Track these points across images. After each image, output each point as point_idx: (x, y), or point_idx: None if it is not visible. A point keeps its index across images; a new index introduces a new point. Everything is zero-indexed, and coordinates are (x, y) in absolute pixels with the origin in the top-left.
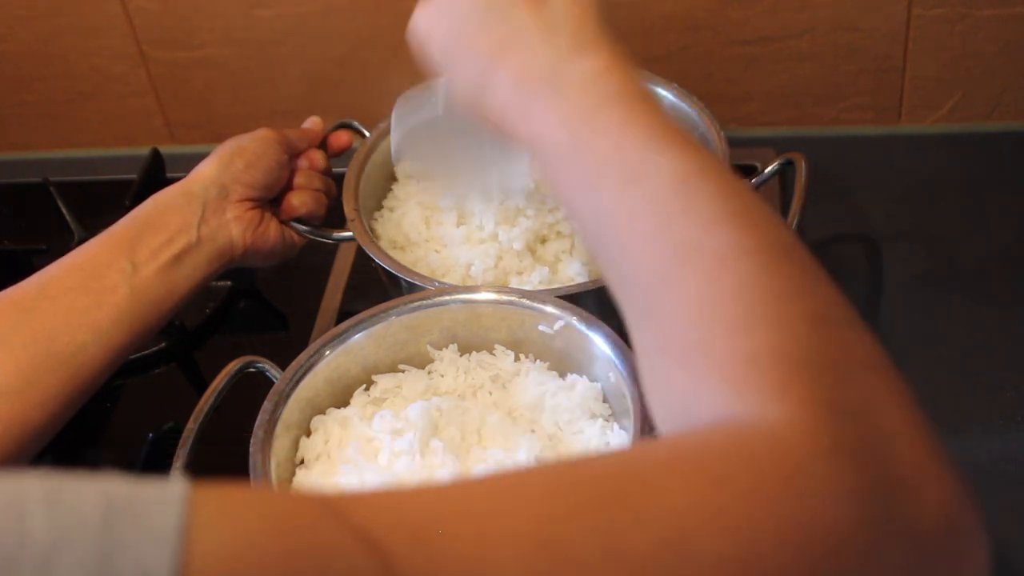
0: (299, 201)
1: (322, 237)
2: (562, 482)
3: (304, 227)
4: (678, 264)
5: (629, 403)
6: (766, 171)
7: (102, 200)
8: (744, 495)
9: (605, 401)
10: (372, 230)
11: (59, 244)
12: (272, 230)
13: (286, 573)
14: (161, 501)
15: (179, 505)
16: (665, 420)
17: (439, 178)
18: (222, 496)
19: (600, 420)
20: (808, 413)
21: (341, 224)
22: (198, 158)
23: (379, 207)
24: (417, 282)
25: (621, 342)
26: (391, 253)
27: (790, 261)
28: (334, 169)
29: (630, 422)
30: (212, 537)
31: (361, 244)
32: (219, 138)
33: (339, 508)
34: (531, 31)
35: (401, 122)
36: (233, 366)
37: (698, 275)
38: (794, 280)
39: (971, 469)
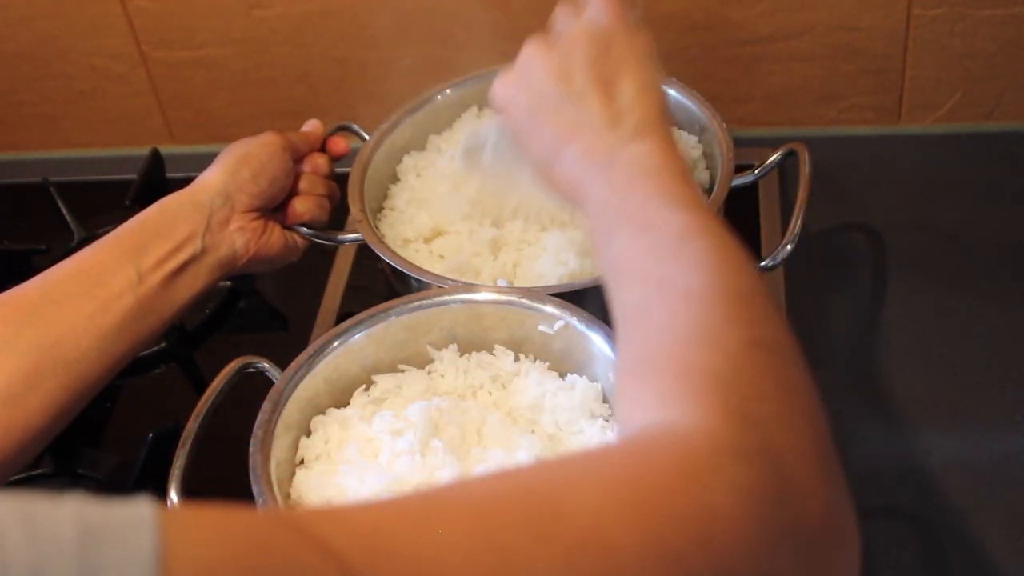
0: (303, 207)
1: (328, 240)
2: (498, 488)
3: (308, 231)
4: (656, 298)
5: None
6: (768, 161)
7: (102, 200)
8: (651, 491)
9: (605, 401)
10: (377, 229)
11: (59, 244)
12: (275, 238)
13: None
14: (133, 524)
15: (151, 527)
16: (619, 430)
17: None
18: (189, 517)
19: (600, 420)
20: (717, 420)
21: (342, 225)
22: (198, 158)
23: (381, 208)
24: (428, 280)
25: None
26: (399, 252)
27: (751, 300)
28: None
29: None
30: (186, 557)
31: (370, 244)
32: (219, 138)
33: (297, 522)
34: (600, 119)
35: (466, 142)
36: (233, 366)
37: (667, 307)
38: (746, 314)
39: (971, 469)
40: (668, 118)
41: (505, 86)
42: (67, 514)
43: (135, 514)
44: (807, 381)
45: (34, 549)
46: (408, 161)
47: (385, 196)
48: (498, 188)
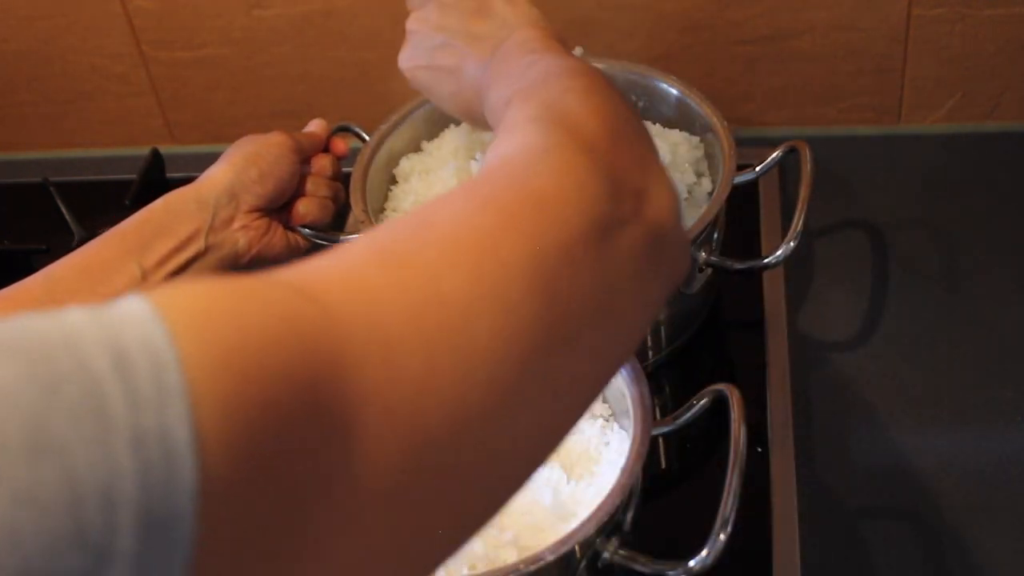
0: (306, 209)
1: (330, 241)
2: (400, 223)
3: (310, 232)
4: (518, 104)
5: (629, 403)
6: (769, 159)
7: (102, 200)
8: (516, 193)
9: (605, 401)
10: None
11: (59, 244)
12: (278, 238)
13: (261, 322)
14: (129, 309)
15: (147, 306)
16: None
17: None
18: (178, 289)
19: (600, 420)
20: (542, 136)
21: (343, 226)
22: (198, 158)
23: (382, 208)
24: None
25: None
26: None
27: (601, 83)
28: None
29: (630, 422)
30: (184, 312)
31: None
32: (219, 138)
33: (282, 279)
34: (480, 36)
35: None
36: None
37: (522, 103)
38: (572, 83)
39: (971, 469)
40: (539, 19)
41: (402, 58)
42: (73, 311)
43: (128, 303)
44: (613, 103)
45: (62, 334)
46: (406, 164)
47: (386, 197)
48: None
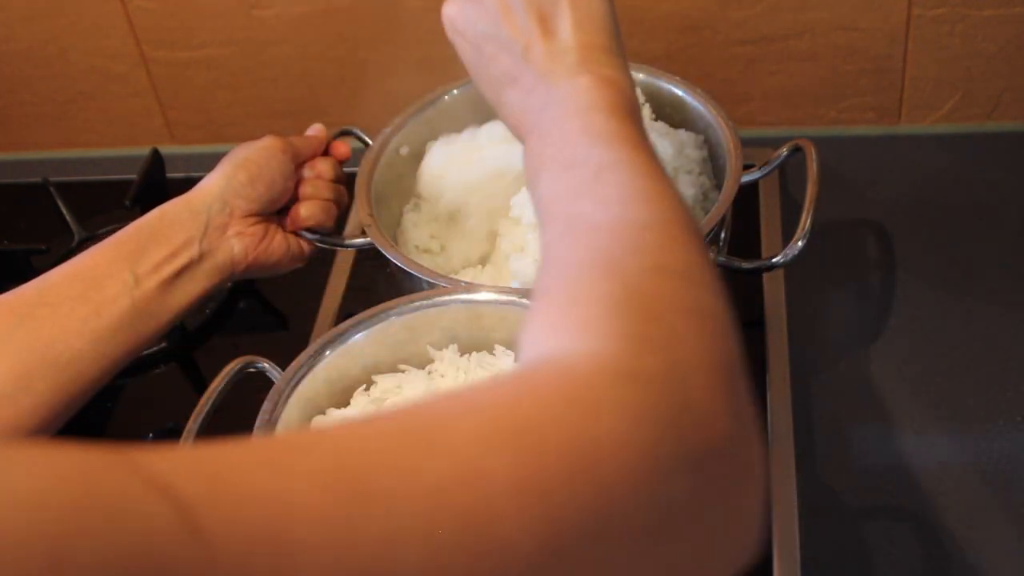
0: (307, 212)
1: (335, 245)
2: (367, 427)
3: (314, 236)
4: (565, 234)
5: None
6: (774, 158)
7: (102, 200)
8: (531, 419)
9: None
10: (385, 230)
11: (59, 244)
12: (276, 244)
13: (78, 526)
14: None
15: None
16: (517, 361)
17: None
18: (12, 450)
19: None
20: (607, 343)
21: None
22: (198, 158)
23: (389, 211)
24: (443, 283)
25: None
26: (411, 255)
27: (660, 229)
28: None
29: None
30: (4, 489)
31: (380, 248)
32: (219, 138)
33: (133, 460)
34: (538, 60)
35: None
36: (233, 366)
37: (571, 242)
38: (652, 242)
39: (971, 469)
40: (612, 47)
41: (450, 12)
42: None
43: None
44: (716, 303)
45: None
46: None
47: (393, 199)
48: None
